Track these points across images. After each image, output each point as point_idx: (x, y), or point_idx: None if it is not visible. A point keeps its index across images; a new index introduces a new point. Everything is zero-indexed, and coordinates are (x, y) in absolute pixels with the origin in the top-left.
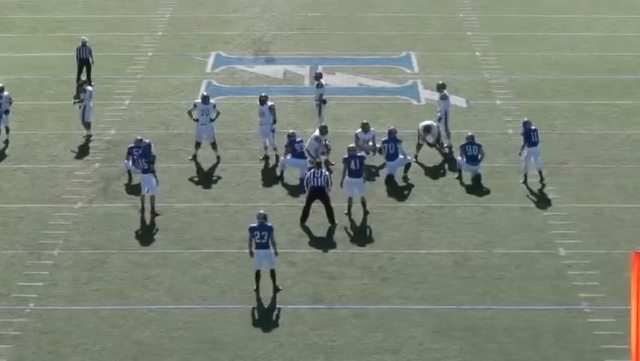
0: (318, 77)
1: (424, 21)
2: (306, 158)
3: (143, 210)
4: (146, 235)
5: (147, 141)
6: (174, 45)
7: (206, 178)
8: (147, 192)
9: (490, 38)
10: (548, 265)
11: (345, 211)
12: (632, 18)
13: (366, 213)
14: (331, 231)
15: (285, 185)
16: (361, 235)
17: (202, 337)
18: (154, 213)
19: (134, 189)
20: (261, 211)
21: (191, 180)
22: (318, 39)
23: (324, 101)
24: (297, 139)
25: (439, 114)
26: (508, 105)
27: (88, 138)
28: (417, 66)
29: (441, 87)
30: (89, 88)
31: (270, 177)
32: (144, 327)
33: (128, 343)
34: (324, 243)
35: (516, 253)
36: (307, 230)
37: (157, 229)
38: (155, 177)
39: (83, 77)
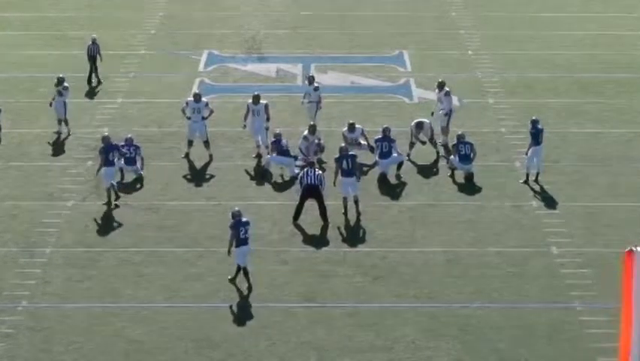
0: (313, 79)
1: (417, 20)
2: (290, 156)
3: (112, 202)
4: (138, 232)
5: (106, 133)
6: (167, 43)
7: (198, 176)
8: (110, 182)
9: (482, 37)
10: (541, 263)
11: (343, 211)
12: (625, 16)
13: (358, 213)
14: (324, 229)
15: (277, 183)
16: (354, 234)
17: (194, 335)
18: (109, 203)
19: (126, 188)
20: (236, 208)
21: (183, 178)
22: (310, 37)
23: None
24: (282, 139)
25: (441, 111)
26: (501, 104)
27: (67, 135)
28: (410, 65)
29: (442, 85)
30: (66, 84)
31: (266, 175)
32: (136, 325)
33: (120, 341)
34: (317, 241)
35: (508, 252)
36: (300, 228)
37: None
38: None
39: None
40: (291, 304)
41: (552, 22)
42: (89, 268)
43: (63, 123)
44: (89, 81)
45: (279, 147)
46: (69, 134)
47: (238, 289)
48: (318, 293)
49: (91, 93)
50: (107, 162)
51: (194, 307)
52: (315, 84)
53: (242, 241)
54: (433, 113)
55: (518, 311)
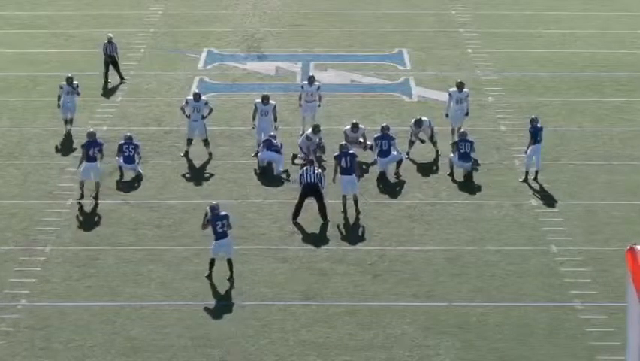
0: (314, 79)
1: (416, 18)
2: (281, 153)
3: (83, 196)
4: (137, 231)
5: (92, 129)
6: (167, 42)
7: (197, 175)
8: (92, 177)
9: (482, 35)
10: (540, 262)
11: (342, 210)
12: (624, 15)
13: (357, 212)
14: (323, 228)
15: (276, 181)
16: (353, 232)
17: (194, 333)
18: (96, 199)
19: (125, 186)
20: (214, 202)
21: (183, 176)
22: (310, 36)
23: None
24: (275, 140)
25: (459, 112)
26: (500, 102)
27: (68, 134)
28: (409, 63)
29: (462, 85)
30: (76, 82)
31: (262, 173)
32: (136, 323)
33: (119, 339)
34: (316, 240)
35: (508, 250)
36: (299, 227)
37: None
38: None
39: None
40: (290, 302)
41: (552, 21)
42: (88, 267)
43: (69, 121)
44: (107, 82)
45: (269, 145)
46: (70, 134)
47: (234, 288)
48: (318, 292)
49: (97, 92)
50: (88, 158)
51: (193, 305)
52: (317, 83)
53: (220, 235)
54: (447, 115)
55: (517, 310)
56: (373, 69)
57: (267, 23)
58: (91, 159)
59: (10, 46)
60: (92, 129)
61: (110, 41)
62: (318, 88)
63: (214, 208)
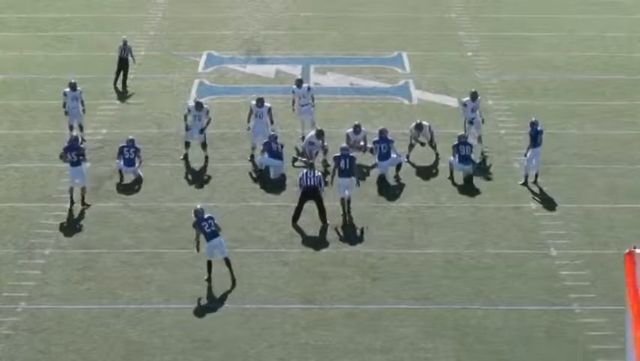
0: (302, 81)
1: (416, 21)
2: (281, 159)
3: (72, 202)
4: (137, 234)
5: (75, 134)
6: (167, 45)
7: (197, 178)
8: (78, 183)
9: (481, 38)
10: (539, 265)
11: (341, 213)
12: (623, 18)
13: (349, 209)
14: (323, 231)
15: (276, 185)
16: (353, 235)
17: (193, 336)
18: (85, 205)
19: (125, 189)
20: (198, 206)
21: (182, 179)
22: (309, 39)
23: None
24: (275, 142)
25: (476, 121)
26: (500, 105)
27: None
28: (409, 66)
29: (476, 95)
30: (79, 89)
31: (261, 177)
32: (135, 326)
33: (119, 342)
34: (316, 243)
35: (507, 253)
36: (299, 230)
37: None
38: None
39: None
40: (289, 305)
41: (551, 24)
42: (87, 270)
43: (78, 127)
44: (116, 83)
45: (270, 149)
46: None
47: (233, 290)
48: (317, 294)
49: (97, 94)
50: (71, 163)
51: (192, 308)
52: (305, 85)
53: (210, 235)
54: (468, 128)
55: (517, 313)
56: (373, 72)
57: (267, 26)
58: (74, 163)
59: (9, 48)
60: (75, 133)
61: (124, 44)
62: (309, 89)
63: (198, 212)
